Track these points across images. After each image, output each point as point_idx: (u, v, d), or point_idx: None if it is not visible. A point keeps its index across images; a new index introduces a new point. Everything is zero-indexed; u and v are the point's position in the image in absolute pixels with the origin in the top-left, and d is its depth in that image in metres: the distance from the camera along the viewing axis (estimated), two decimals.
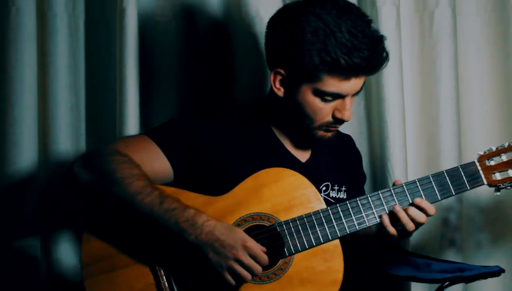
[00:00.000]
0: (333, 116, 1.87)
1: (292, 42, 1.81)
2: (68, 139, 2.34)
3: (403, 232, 1.83)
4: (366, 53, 1.78)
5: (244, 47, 2.32)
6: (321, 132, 1.91)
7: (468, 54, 2.42)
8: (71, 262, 2.31)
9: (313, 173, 1.86)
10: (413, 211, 1.81)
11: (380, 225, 1.84)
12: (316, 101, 1.84)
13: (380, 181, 2.35)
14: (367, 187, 2.32)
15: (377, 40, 1.82)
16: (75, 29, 2.34)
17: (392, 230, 1.82)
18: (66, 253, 2.32)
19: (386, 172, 2.31)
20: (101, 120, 2.36)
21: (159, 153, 1.83)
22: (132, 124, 2.21)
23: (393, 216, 1.82)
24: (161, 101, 2.37)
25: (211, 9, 2.37)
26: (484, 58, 2.43)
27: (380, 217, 1.82)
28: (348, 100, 1.85)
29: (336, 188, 1.99)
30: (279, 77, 1.87)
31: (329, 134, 1.92)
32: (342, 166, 2.06)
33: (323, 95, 1.84)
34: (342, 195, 2.01)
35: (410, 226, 1.81)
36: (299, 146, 1.98)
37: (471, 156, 2.36)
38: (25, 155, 2.25)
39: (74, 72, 2.34)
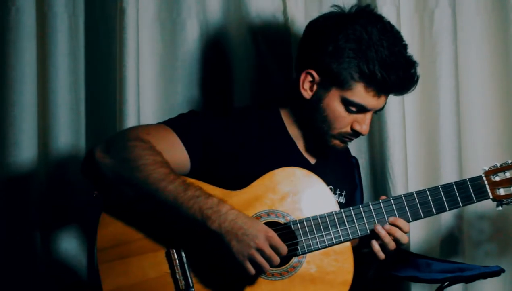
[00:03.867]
0: (351, 127, 1.89)
1: (333, 47, 1.84)
2: (68, 139, 2.34)
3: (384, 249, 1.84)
4: (401, 73, 1.83)
5: (245, 47, 2.32)
6: (335, 141, 1.93)
7: (468, 54, 2.43)
8: (70, 259, 2.31)
9: (321, 175, 1.87)
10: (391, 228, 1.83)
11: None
12: (340, 109, 1.87)
13: (380, 180, 2.35)
14: (367, 187, 2.33)
15: (412, 64, 1.87)
16: (75, 29, 2.34)
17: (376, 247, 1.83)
18: (66, 252, 2.32)
19: (386, 172, 2.31)
20: (101, 120, 2.35)
21: (179, 143, 1.84)
22: (132, 124, 2.21)
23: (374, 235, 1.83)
24: (161, 101, 2.36)
25: (211, 9, 2.37)
26: (484, 58, 2.43)
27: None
28: (369, 115, 1.89)
29: (338, 192, 2.02)
30: (309, 78, 1.89)
31: (342, 145, 1.95)
32: (342, 172, 2.09)
33: (349, 105, 1.86)
34: (342, 200, 2.02)
35: (392, 244, 1.82)
36: (310, 149, 1.99)
37: (471, 156, 2.39)
38: (25, 154, 2.25)
39: (74, 72, 2.34)
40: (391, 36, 1.85)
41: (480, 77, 2.44)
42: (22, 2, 2.23)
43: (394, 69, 1.82)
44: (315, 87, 1.89)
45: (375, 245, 1.83)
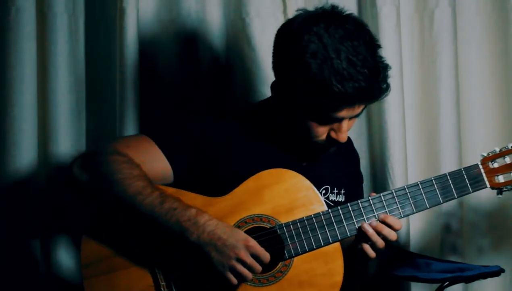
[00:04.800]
0: (328, 135, 1.82)
1: (290, 60, 1.75)
2: (68, 139, 2.33)
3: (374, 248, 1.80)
4: (362, 84, 1.70)
5: (245, 47, 2.32)
6: (317, 148, 1.86)
7: (469, 54, 2.43)
8: (70, 262, 2.31)
9: (314, 176, 1.84)
10: (381, 227, 1.79)
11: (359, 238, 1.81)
12: (309, 121, 1.80)
13: (380, 181, 2.35)
14: (367, 187, 2.33)
15: (378, 71, 1.74)
16: (75, 29, 2.34)
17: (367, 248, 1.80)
18: (66, 254, 2.31)
19: (386, 172, 2.31)
20: (101, 121, 2.35)
21: (160, 155, 1.82)
22: (132, 124, 2.22)
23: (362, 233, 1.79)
24: (161, 101, 2.36)
25: (211, 9, 2.37)
26: (484, 58, 2.43)
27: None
28: (345, 123, 1.80)
29: (335, 191, 1.97)
30: (277, 89, 1.84)
31: (326, 150, 1.87)
32: (341, 168, 2.03)
33: (319, 116, 1.78)
34: (341, 198, 1.98)
35: (380, 242, 1.79)
36: (300, 151, 1.93)
37: (471, 156, 2.38)
38: (25, 155, 2.25)
39: (74, 72, 2.33)
40: (352, 44, 1.71)
41: (480, 77, 2.44)
42: (22, 2, 2.23)
43: (353, 81, 1.69)
44: (282, 98, 1.82)
45: (364, 243, 1.79)
